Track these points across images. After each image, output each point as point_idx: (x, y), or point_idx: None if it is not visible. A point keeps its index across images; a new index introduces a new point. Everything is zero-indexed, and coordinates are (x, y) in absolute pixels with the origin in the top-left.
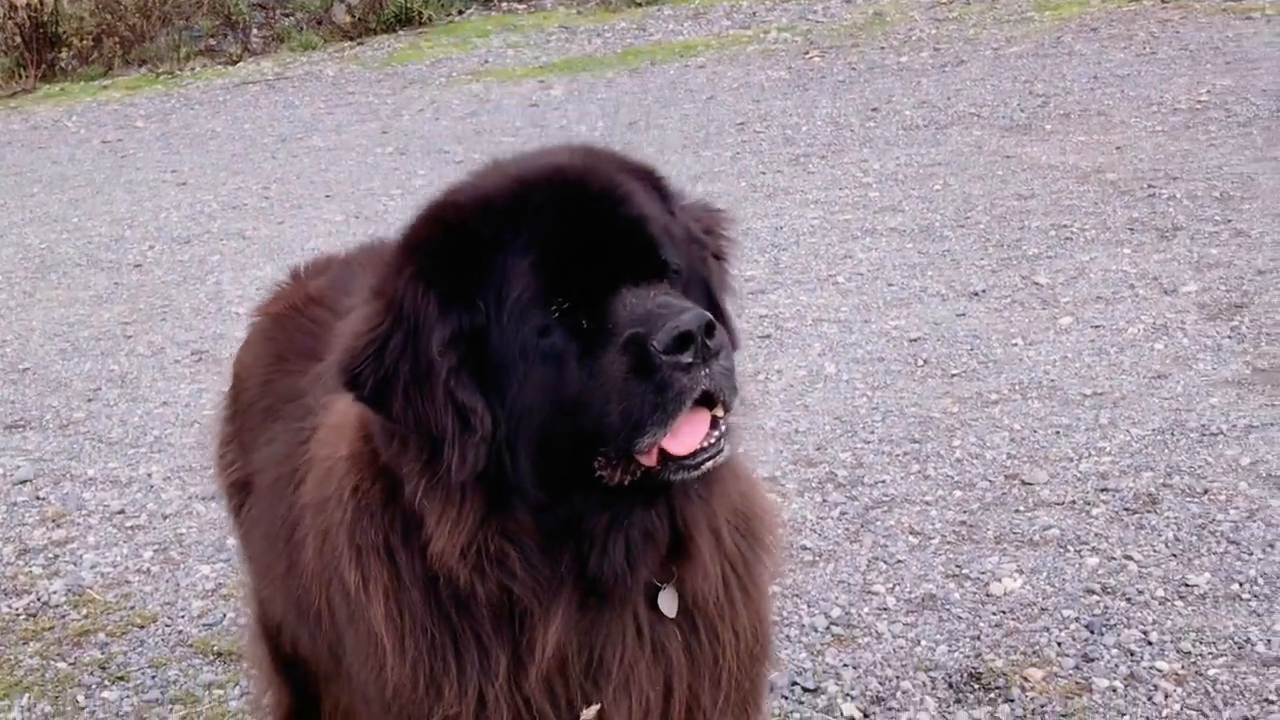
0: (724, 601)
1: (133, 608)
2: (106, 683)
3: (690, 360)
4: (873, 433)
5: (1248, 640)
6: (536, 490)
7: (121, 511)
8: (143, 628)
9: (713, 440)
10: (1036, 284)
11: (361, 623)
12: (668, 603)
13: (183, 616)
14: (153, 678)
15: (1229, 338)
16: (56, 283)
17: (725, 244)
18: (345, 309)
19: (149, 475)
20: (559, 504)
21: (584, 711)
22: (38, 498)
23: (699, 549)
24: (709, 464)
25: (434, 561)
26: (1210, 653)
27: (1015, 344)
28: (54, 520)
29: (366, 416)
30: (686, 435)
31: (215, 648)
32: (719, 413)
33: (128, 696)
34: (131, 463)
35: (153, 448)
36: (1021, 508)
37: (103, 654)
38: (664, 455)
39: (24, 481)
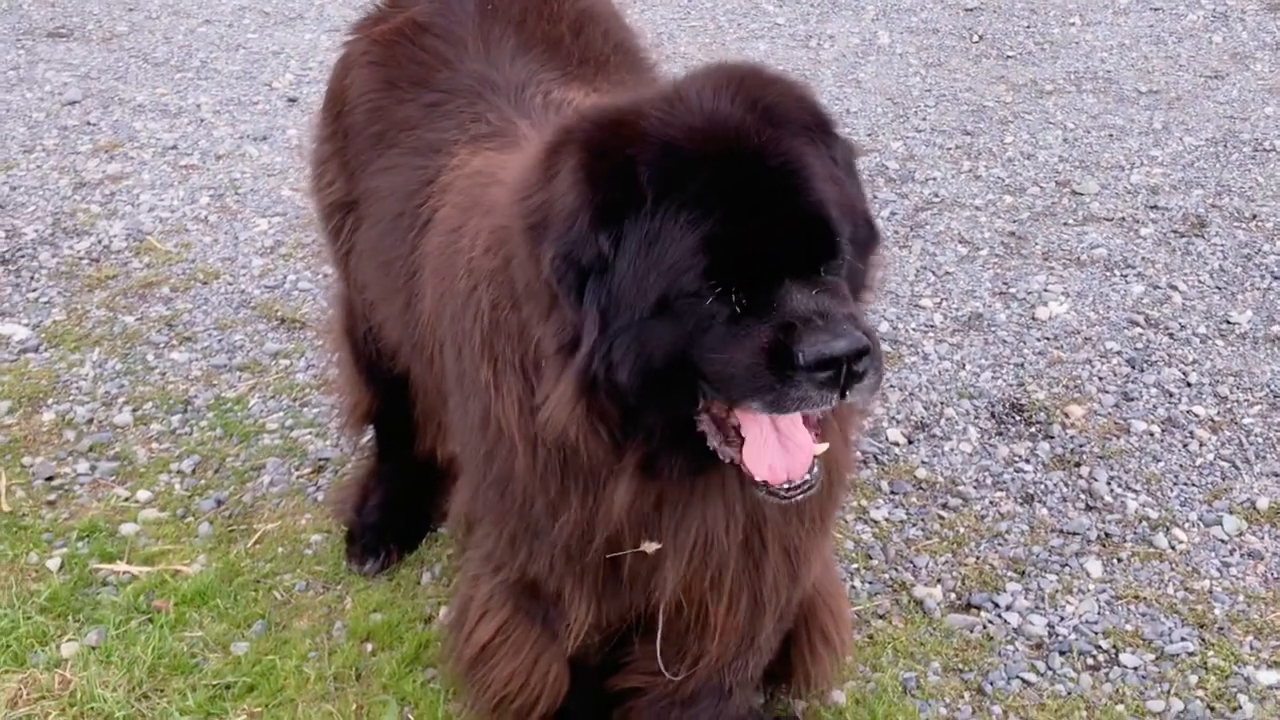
0: None
1: (194, 261)
2: (174, 343)
3: (826, 379)
4: (925, 119)
5: None
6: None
7: (174, 147)
8: (206, 284)
9: (808, 477)
10: None
11: (480, 403)
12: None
13: (244, 274)
14: (219, 341)
15: None
16: None
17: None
18: (457, 39)
19: (198, 106)
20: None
21: (646, 544)
22: (88, 123)
23: None
24: (799, 497)
25: (543, 417)
26: (1246, 400)
27: (1073, 24)
28: (107, 151)
29: (503, 220)
30: (785, 464)
31: (279, 313)
32: (819, 449)
33: (196, 360)
34: (180, 89)
35: (199, 74)
36: (1071, 220)
37: (168, 310)
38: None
39: (73, 103)
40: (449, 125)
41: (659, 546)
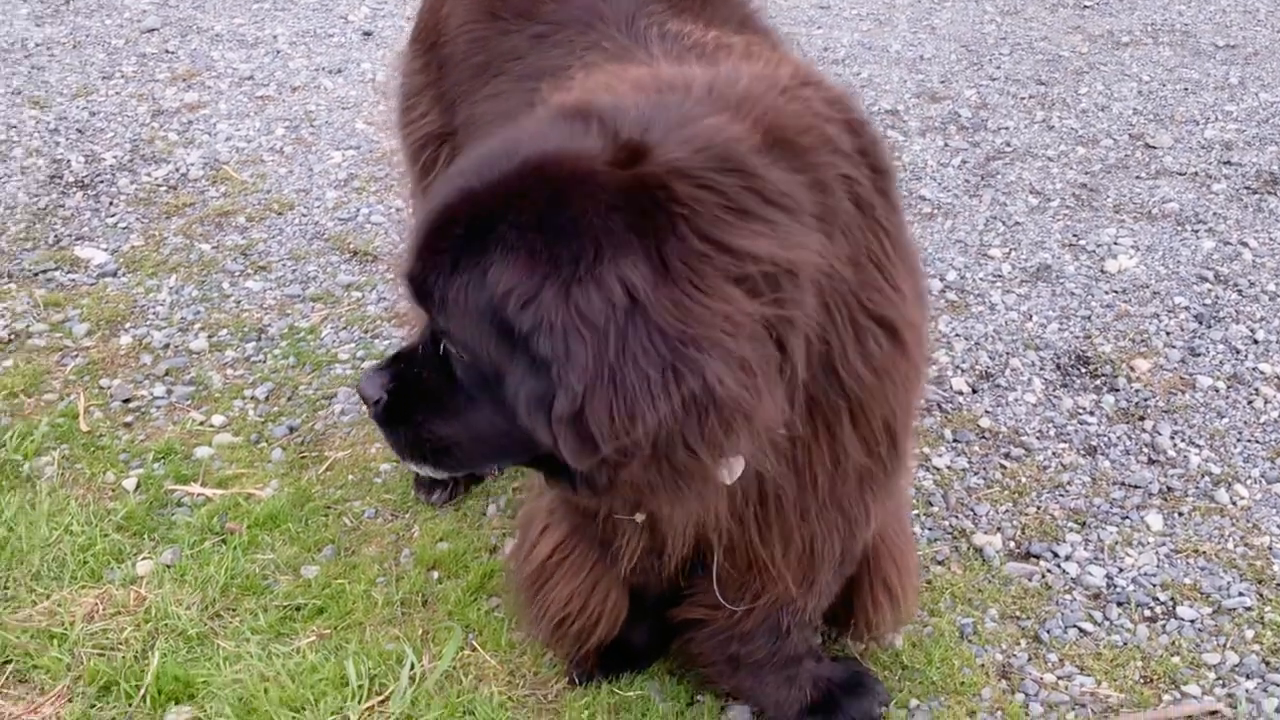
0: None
1: (269, 191)
2: (249, 271)
3: None
4: (999, 68)
5: None
6: None
7: (251, 78)
8: (280, 215)
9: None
10: None
11: None
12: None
13: (318, 206)
14: (293, 271)
15: None
16: None
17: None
18: None
19: (275, 37)
20: None
21: (636, 515)
22: (167, 51)
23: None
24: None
25: None
26: None
27: None
28: (185, 80)
29: None
30: None
31: (351, 245)
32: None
33: (270, 289)
34: (257, 19)
35: (276, 4)
36: (1143, 174)
37: (243, 239)
38: None
39: (151, 31)
40: (560, 53)
41: (644, 517)
